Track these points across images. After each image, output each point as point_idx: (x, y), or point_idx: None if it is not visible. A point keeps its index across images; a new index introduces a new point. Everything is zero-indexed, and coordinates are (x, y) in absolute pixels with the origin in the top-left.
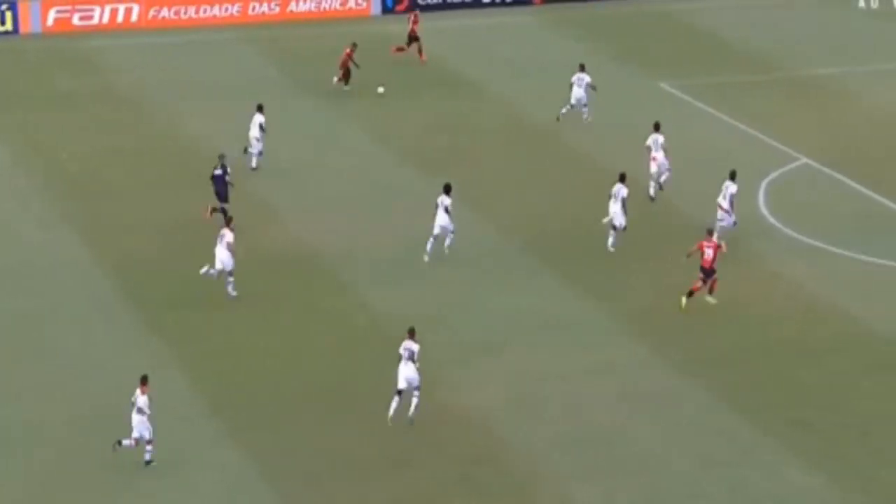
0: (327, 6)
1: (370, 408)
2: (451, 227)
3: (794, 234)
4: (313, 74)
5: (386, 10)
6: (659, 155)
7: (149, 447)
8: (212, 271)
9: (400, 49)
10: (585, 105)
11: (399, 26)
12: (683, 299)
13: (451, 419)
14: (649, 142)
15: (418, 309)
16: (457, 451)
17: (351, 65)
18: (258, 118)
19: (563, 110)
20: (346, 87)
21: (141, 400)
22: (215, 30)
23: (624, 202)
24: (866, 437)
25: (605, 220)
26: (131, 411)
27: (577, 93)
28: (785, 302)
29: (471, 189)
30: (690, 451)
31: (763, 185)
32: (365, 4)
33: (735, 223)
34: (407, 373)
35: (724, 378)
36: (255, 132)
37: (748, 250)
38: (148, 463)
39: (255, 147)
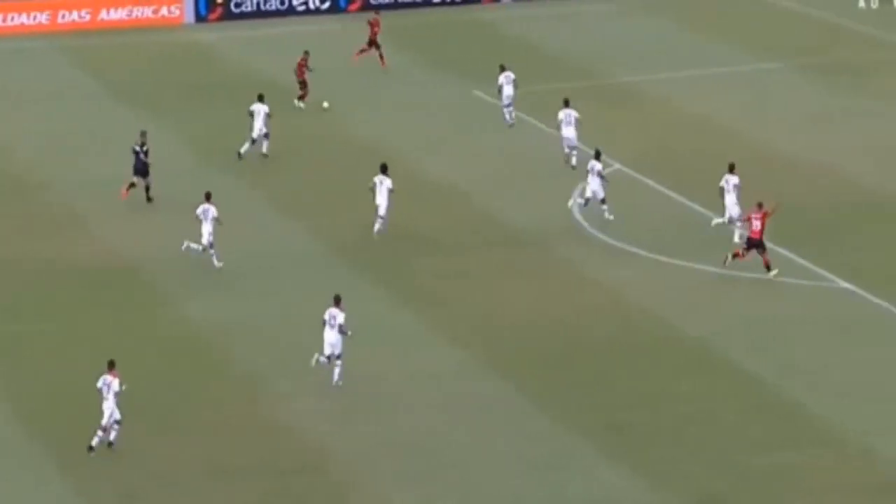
0: (139, 14)
1: (188, 421)
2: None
3: (609, 240)
4: (126, 81)
5: (199, 18)
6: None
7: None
8: (194, 246)
9: (362, 51)
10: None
11: (211, 35)
12: (728, 256)
13: (271, 429)
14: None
15: (236, 318)
16: (277, 461)
17: (307, 75)
18: (261, 108)
19: None
20: (301, 105)
21: (115, 384)
22: (24, 38)
23: (601, 175)
24: (681, 438)
25: (573, 202)
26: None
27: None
28: (601, 307)
29: (290, 198)
30: (508, 455)
31: (577, 190)
32: (178, 13)
33: (732, 219)
34: (331, 338)
35: (542, 382)
36: (259, 122)
37: (563, 256)
38: (110, 445)
39: (259, 131)
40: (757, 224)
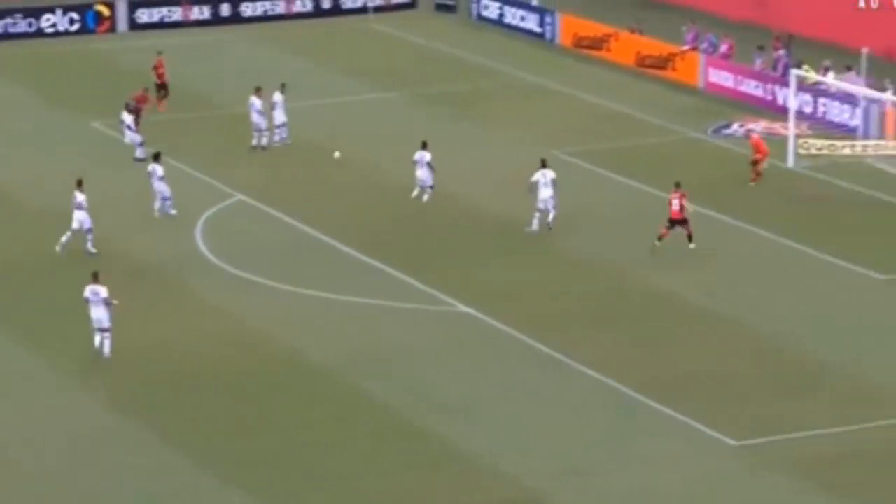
0: None
1: None
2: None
3: (232, 270)
4: None
5: None
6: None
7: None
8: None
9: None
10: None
11: None
12: (655, 241)
13: None
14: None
15: None
16: None
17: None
18: (279, 97)
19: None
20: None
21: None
22: None
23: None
24: (310, 466)
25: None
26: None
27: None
28: (226, 337)
29: None
30: (135, 491)
31: (200, 221)
32: None
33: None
34: (97, 314)
35: (165, 414)
36: (279, 113)
37: (188, 287)
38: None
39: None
40: (676, 204)
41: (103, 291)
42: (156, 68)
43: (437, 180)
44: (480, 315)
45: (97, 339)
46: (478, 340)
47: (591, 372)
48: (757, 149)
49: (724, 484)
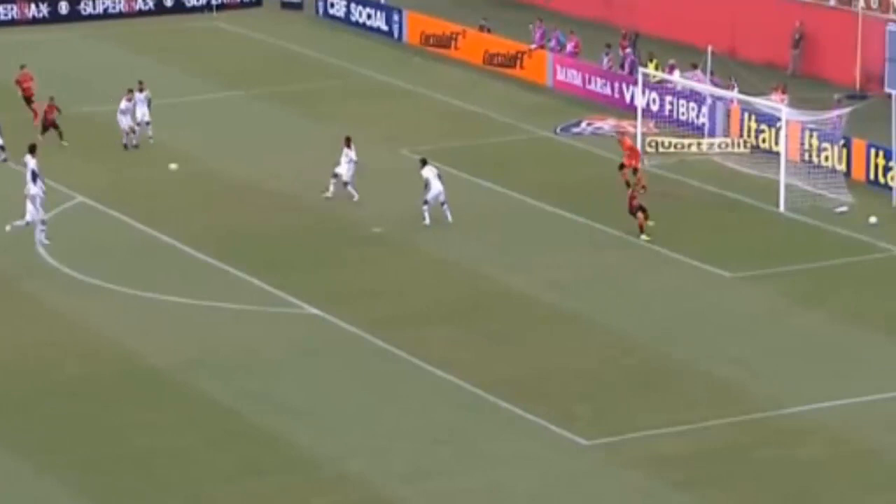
0: None
1: None
2: None
3: (73, 273)
4: None
5: None
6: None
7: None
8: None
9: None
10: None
11: None
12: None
13: None
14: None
15: None
16: None
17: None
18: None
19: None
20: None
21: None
22: None
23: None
24: (149, 471)
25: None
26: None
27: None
28: (70, 342)
29: None
30: None
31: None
32: None
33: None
34: None
35: (6, 421)
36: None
37: (27, 292)
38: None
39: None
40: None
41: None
42: (20, 82)
43: (283, 180)
44: (328, 316)
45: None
46: (324, 342)
47: (439, 371)
48: (632, 153)
49: (576, 483)
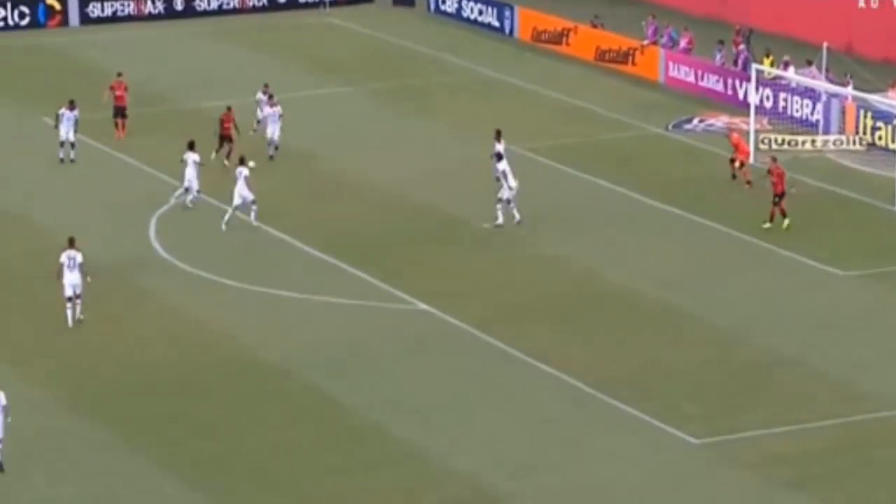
0: None
1: None
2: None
3: (188, 268)
4: None
5: None
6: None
7: None
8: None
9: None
10: None
11: None
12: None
13: None
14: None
15: None
16: None
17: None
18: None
19: None
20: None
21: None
22: None
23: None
24: (264, 466)
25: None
26: None
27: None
28: (184, 336)
29: None
30: (89, 492)
31: (154, 218)
32: None
33: None
34: (72, 279)
35: (123, 416)
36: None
37: (143, 286)
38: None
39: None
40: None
41: (79, 257)
42: (112, 89)
43: (395, 175)
44: (437, 312)
45: (69, 308)
46: (434, 338)
47: (546, 367)
48: (737, 148)
49: (685, 481)
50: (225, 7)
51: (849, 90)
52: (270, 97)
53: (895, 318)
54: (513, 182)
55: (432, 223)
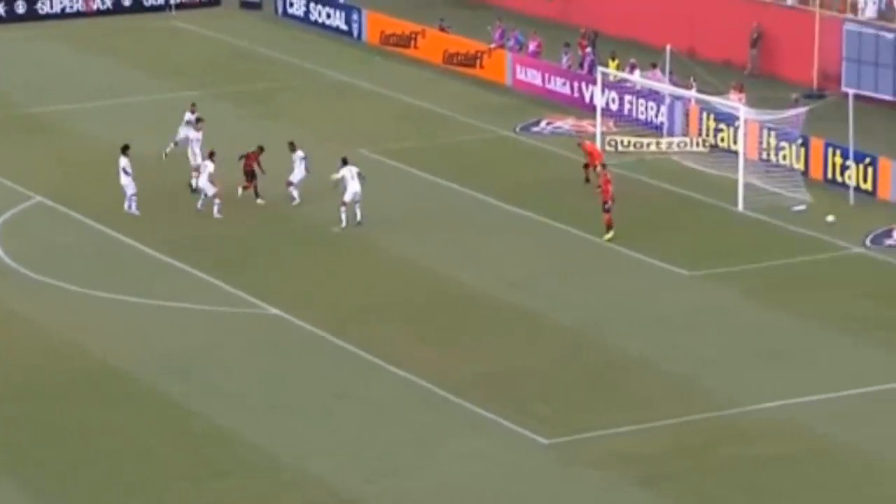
0: None
1: None
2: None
3: (31, 274)
4: None
5: None
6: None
7: None
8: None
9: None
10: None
11: None
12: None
13: None
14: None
15: None
16: None
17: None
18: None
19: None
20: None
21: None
22: None
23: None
24: (109, 473)
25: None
26: None
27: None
28: (26, 342)
29: None
30: None
31: None
32: None
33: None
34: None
35: None
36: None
37: None
38: None
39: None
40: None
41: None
42: None
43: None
44: (288, 316)
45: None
46: (286, 342)
47: (399, 371)
48: (592, 155)
49: (536, 481)
50: (68, 11)
51: (692, 93)
52: (198, 119)
53: (738, 318)
54: (355, 186)
55: (283, 228)
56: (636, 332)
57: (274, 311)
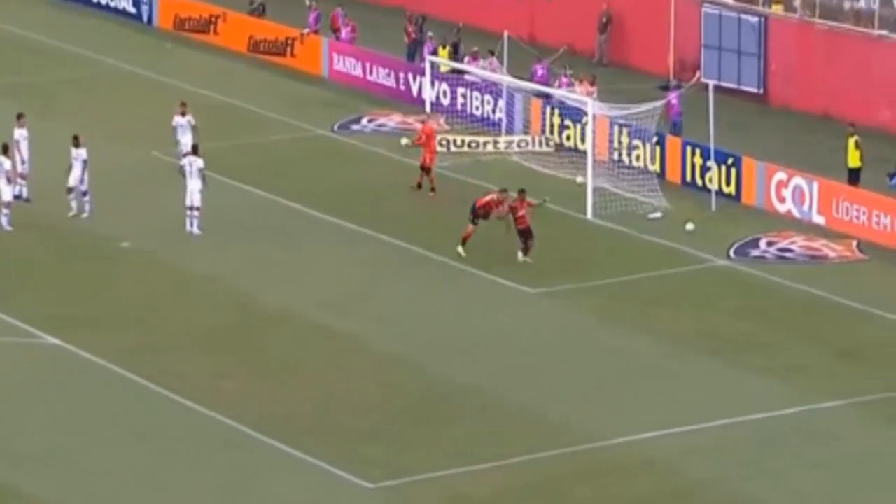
0: None
1: None
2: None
3: None
4: None
5: None
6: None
7: None
8: None
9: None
10: None
11: None
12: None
13: None
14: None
15: None
16: None
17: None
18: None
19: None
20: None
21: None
22: None
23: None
24: None
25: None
26: None
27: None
28: None
29: None
30: None
31: None
32: None
33: None
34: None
35: None
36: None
37: None
38: None
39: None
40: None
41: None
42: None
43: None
44: (69, 346)
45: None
46: (66, 375)
47: (201, 408)
48: (429, 139)
49: None
50: None
51: (531, 85)
52: (76, 141)
53: (589, 341)
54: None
55: (62, 244)
56: (471, 358)
57: (52, 340)
